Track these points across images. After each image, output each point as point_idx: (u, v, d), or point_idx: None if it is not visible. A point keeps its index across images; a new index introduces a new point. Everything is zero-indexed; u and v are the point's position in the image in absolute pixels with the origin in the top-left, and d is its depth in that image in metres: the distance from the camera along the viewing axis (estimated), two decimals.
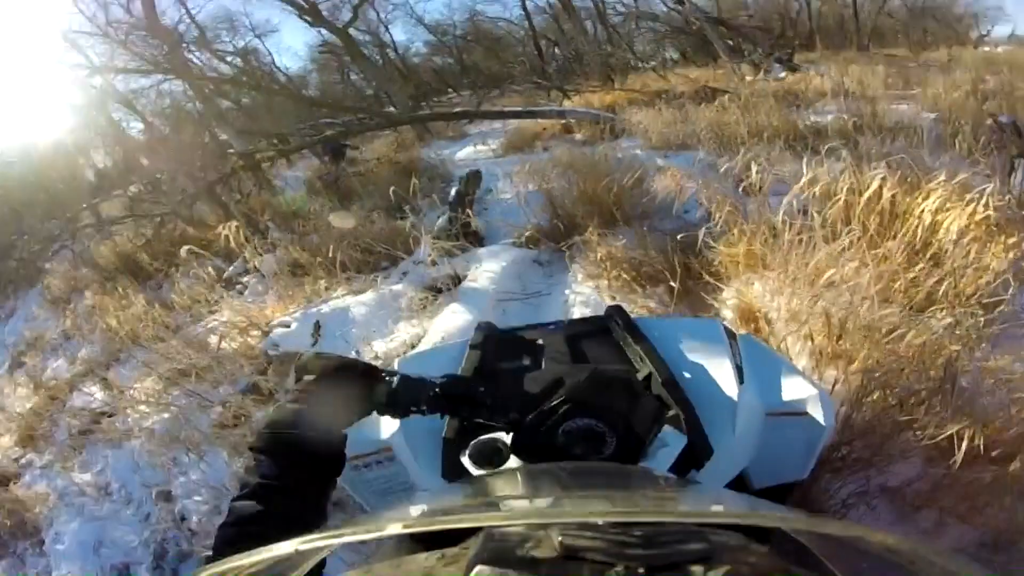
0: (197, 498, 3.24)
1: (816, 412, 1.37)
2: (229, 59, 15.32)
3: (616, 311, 1.70)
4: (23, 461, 4.47)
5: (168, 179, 9.46)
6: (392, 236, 5.13)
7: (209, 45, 14.89)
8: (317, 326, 4.07)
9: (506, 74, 17.46)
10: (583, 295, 3.81)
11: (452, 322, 3.65)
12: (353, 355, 3.45)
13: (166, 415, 3.83)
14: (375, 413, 1.25)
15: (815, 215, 2.93)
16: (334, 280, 4.60)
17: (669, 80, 11.88)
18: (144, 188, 10.82)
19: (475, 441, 1.19)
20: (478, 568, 0.47)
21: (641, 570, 0.46)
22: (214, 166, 8.03)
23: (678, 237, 3.57)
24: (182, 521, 3.26)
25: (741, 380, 1.45)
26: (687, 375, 1.47)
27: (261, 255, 5.17)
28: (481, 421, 1.16)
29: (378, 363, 3.32)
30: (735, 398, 1.40)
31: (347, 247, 4.83)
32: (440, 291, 4.12)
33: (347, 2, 16.13)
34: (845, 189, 3.09)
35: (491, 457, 1.16)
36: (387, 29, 22.37)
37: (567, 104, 9.82)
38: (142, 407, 4.05)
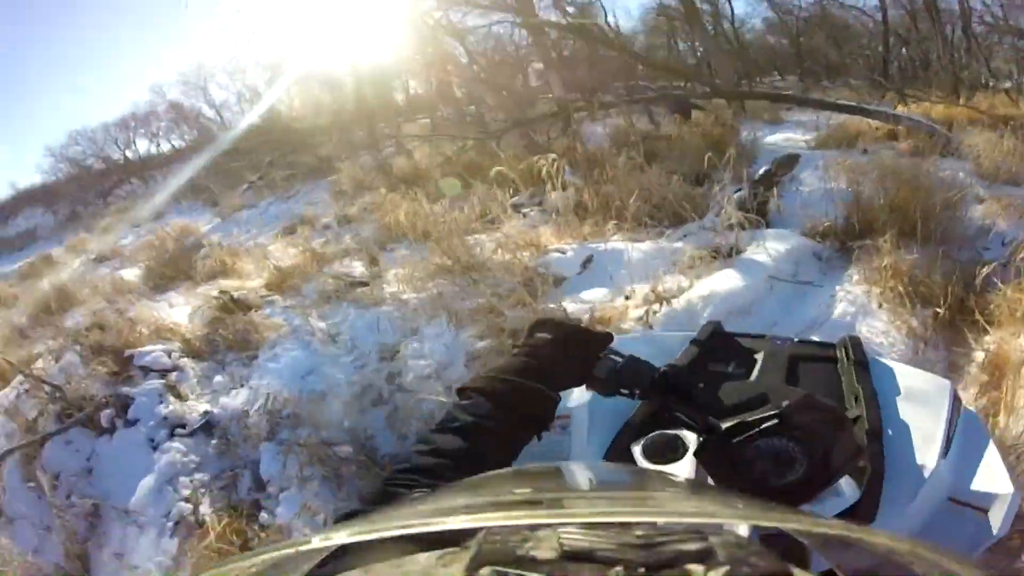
0: (421, 362, 3.88)
1: (997, 515, 1.31)
2: (569, 9, 16.45)
3: (851, 342, 1.72)
4: (269, 299, 5.56)
5: (476, 111, 10.72)
6: (686, 199, 5.45)
7: None
8: (589, 259, 4.60)
9: (842, 66, 16.62)
10: (852, 296, 3.87)
11: (720, 285, 3.95)
12: (610, 292, 4.14)
13: (423, 295, 4.60)
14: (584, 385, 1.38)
15: None
16: (616, 226, 5.06)
17: (1018, 105, 10.75)
18: (450, 115, 12.34)
19: (655, 433, 1.26)
20: (477, 568, 0.49)
21: (641, 570, 0.48)
22: (527, 106, 8.92)
23: (970, 269, 3.66)
24: (395, 376, 3.94)
25: (945, 454, 1.43)
26: (894, 428, 1.48)
27: (553, 191, 5.80)
28: (679, 416, 1.21)
29: (629, 307, 3.90)
30: (929, 472, 1.39)
31: (640, 200, 5.23)
32: (716, 256, 4.39)
33: None
34: None
35: (666, 452, 1.23)
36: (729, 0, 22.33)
37: (901, 109, 9.25)
38: (402, 284, 4.88)
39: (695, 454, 1.16)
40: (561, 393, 1.40)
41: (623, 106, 9.36)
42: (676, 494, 0.86)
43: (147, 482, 3.73)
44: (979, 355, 3.27)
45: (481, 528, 0.55)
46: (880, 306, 3.70)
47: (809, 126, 8.80)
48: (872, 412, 1.46)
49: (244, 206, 12.46)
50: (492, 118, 9.72)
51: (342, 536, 0.54)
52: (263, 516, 3.36)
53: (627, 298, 4.10)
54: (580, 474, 0.99)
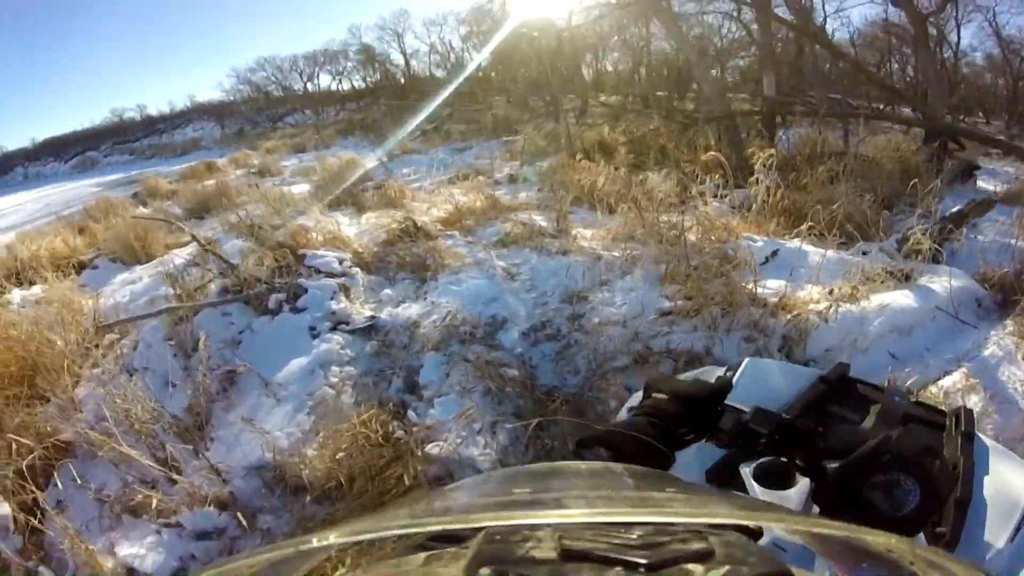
0: (610, 309, 4.14)
1: None
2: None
3: (964, 413, 1.56)
4: (448, 232, 5.80)
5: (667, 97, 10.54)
6: (873, 219, 5.49)
7: None
8: (775, 252, 4.83)
9: None
10: (1003, 343, 3.87)
11: (890, 302, 4.08)
12: (790, 285, 4.14)
13: (615, 253, 4.87)
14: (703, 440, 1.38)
15: None
16: (804, 230, 5.01)
17: None
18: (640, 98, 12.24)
19: (768, 458, 1.22)
20: (477, 568, 0.49)
21: (641, 570, 0.48)
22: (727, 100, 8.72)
23: None
24: (577, 318, 4.13)
25: (1012, 539, 1.29)
26: (974, 506, 1.34)
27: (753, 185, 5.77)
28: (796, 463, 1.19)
29: (809, 301, 3.89)
30: (992, 552, 1.26)
31: (828, 210, 5.16)
32: (891, 277, 4.51)
33: None
34: None
35: (779, 478, 1.19)
36: (958, 27, 20.99)
37: None
38: (592, 242, 5.18)
39: (813, 499, 1.13)
40: None
41: (828, 118, 8.81)
42: (676, 494, 0.86)
43: (299, 362, 3.95)
44: None
45: (481, 528, 0.55)
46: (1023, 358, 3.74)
47: (1002, 176, 8.19)
48: (966, 484, 1.34)
49: (414, 151, 12.79)
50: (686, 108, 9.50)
51: (342, 536, 0.55)
52: (411, 415, 3.47)
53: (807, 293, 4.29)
54: (579, 475, 1.01)
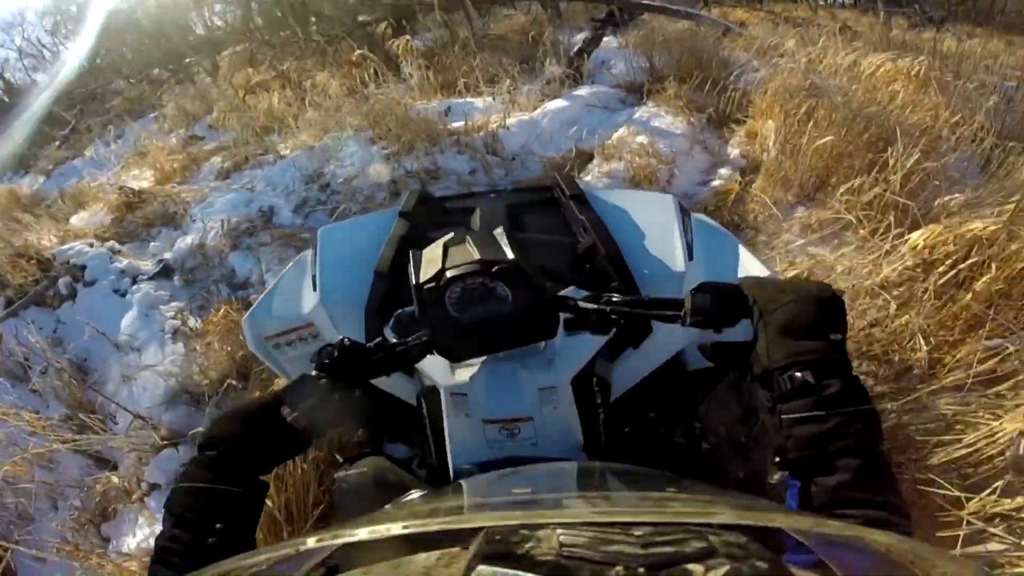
0: (346, 169, 5.14)
1: None
2: None
3: (564, 180, 1.84)
4: (178, 189, 6.30)
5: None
6: (515, 72, 6.91)
7: None
8: (448, 109, 6.15)
9: None
10: (648, 111, 5.48)
11: (552, 107, 5.72)
12: (468, 121, 5.55)
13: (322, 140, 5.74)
14: (297, 282, 1.67)
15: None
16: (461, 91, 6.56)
17: (815, 13, 13.10)
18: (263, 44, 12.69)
19: (397, 312, 1.29)
20: (478, 568, 0.50)
21: (641, 570, 0.49)
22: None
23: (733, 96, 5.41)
24: (326, 187, 5.15)
25: (690, 257, 1.56)
26: (634, 249, 1.58)
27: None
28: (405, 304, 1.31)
29: (488, 122, 5.41)
30: (681, 275, 1.51)
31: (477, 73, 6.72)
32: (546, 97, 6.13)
33: None
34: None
35: (411, 327, 1.24)
36: None
37: (704, 12, 10.86)
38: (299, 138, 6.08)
39: (415, 296, 1.20)
40: (293, 300, 1.80)
41: (451, 12, 10.23)
42: (676, 494, 0.87)
43: (130, 316, 4.33)
44: (741, 130, 5.14)
45: (481, 528, 0.58)
46: (666, 113, 5.35)
47: (622, 32, 10.08)
48: (605, 237, 1.57)
49: (67, 158, 12.16)
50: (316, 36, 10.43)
51: (342, 536, 0.57)
52: (253, 298, 4.14)
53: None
54: (579, 474, 1.04)
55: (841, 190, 3.64)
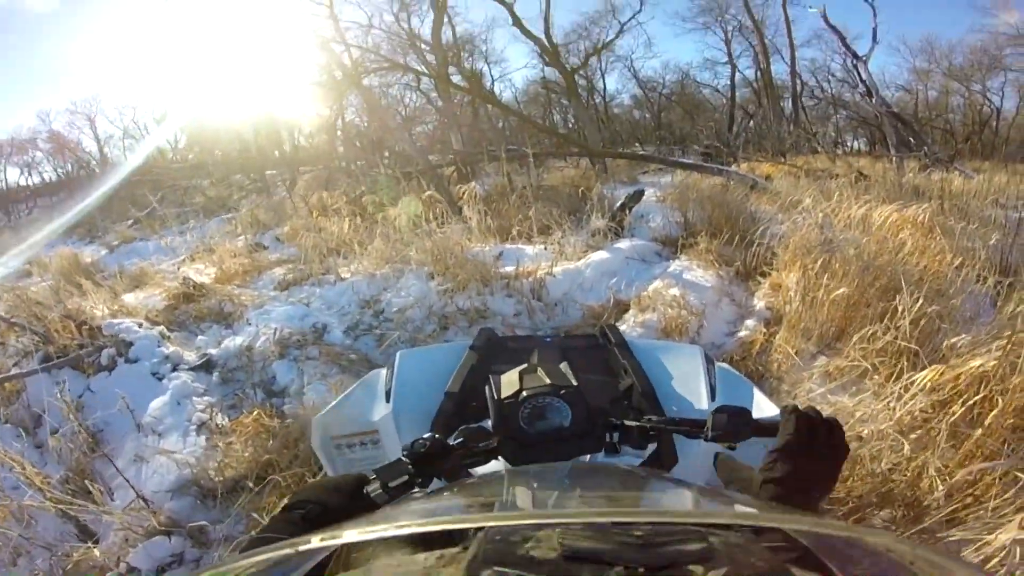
0: (401, 298, 5.29)
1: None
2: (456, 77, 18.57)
3: (609, 329, 2.00)
4: (238, 291, 6.51)
5: (367, 163, 12.01)
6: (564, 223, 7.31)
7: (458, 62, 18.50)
8: (501, 253, 6.46)
9: (693, 136, 19.73)
10: (681, 264, 5.93)
11: (595, 259, 6.09)
12: (520, 267, 5.69)
13: (385, 269, 6.10)
14: (368, 394, 1.80)
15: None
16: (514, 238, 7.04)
17: (834, 163, 14.01)
18: (345, 165, 13.50)
19: (462, 427, 1.30)
20: (477, 568, 0.50)
21: (641, 570, 0.49)
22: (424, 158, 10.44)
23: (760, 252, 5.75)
24: (379, 313, 5.31)
25: (713, 398, 1.69)
26: (666, 390, 1.73)
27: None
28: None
29: (538, 271, 5.56)
30: (705, 413, 1.48)
31: (528, 224, 7.20)
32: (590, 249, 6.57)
33: (578, 50, 20.86)
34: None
35: (479, 441, 1.28)
36: (603, 76, 26.08)
37: (734, 167, 11.55)
38: (362, 264, 6.32)
39: (494, 410, 1.31)
40: (365, 408, 1.86)
41: (510, 162, 10.86)
42: (676, 495, 0.88)
43: (161, 400, 4.37)
44: (765, 282, 5.45)
45: (481, 528, 0.58)
46: (697, 267, 5.80)
47: (660, 185, 10.69)
48: (642, 379, 1.71)
49: (135, 238, 12.66)
50: (390, 169, 11.12)
51: (342, 536, 0.56)
52: (287, 409, 4.22)
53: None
54: (580, 475, 1.04)
55: (855, 338, 3.77)
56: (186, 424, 4.17)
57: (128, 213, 15.01)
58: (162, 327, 5.41)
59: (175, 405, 4.35)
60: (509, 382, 1.36)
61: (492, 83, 24.58)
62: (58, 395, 4.20)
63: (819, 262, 4.54)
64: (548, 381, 1.32)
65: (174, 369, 4.76)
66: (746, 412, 1.19)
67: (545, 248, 6.52)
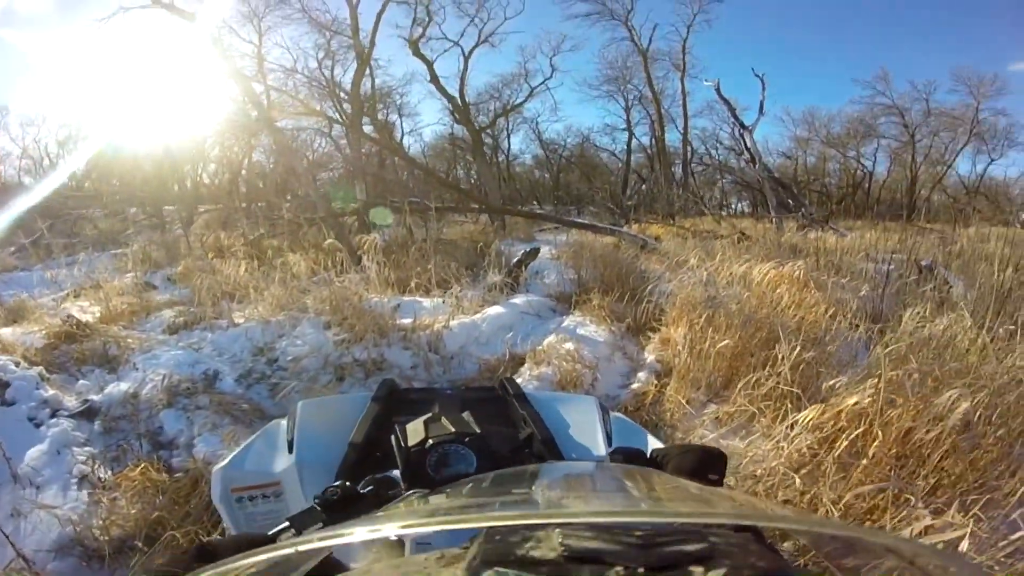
0: (296, 347, 5.28)
1: None
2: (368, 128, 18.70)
3: (508, 382, 2.02)
4: (124, 332, 6.21)
5: (267, 205, 11.92)
6: (462, 276, 7.63)
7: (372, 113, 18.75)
8: (398, 305, 6.44)
9: (589, 197, 20.69)
10: (575, 320, 6.21)
11: (491, 313, 6.32)
12: (416, 319, 5.81)
13: (281, 316, 5.98)
14: (269, 445, 1.80)
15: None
16: (411, 290, 7.18)
17: (719, 224, 15.16)
18: (243, 206, 13.30)
19: (368, 477, 1.32)
20: (477, 568, 0.50)
21: (641, 570, 0.48)
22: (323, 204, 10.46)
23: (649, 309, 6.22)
24: (274, 361, 5.28)
25: (610, 444, 1.73)
26: (564, 438, 1.76)
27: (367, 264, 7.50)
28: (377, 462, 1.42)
29: (434, 324, 5.71)
30: (603, 458, 1.65)
31: (427, 276, 7.35)
32: (485, 304, 6.74)
33: (488, 109, 22.70)
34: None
35: (387, 488, 1.30)
36: (508, 136, 27.62)
37: (626, 228, 12.16)
38: (253, 311, 6.26)
39: (401, 459, 1.32)
40: (266, 459, 1.81)
41: (412, 215, 11.03)
42: (676, 494, 0.87)
43: (39, 449, 4.09)
44: (655, 337, 5.79)
45: (481, 528, 0.57)
46: (591, 322, 6.09)
47: (554, 243, 11.05)
48: (541, 428, 1.74)
49: (17, 267, 12.02)
50: (291, 213, 11.16)
51: (342, 536, 0.56)
52: (175, 462, 4.09)
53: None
54: (579, 475, 1.03)
55: (741, 385, 4.12)
56: (67, 476, 3.92)
57: (13, 239, 14.20)
58: (41, 368, 5.10)
59: (55, 455, 4.08)
60: (415, 430, 1.37)
61: (403, 135, 25.39)
62: None
63: (704, 317, 4.92)
64: (453, 429, 1.35)
65: (53, 415, 4.48)
66: (641, 452, 1.29)
67: (443, 301, 6.59)
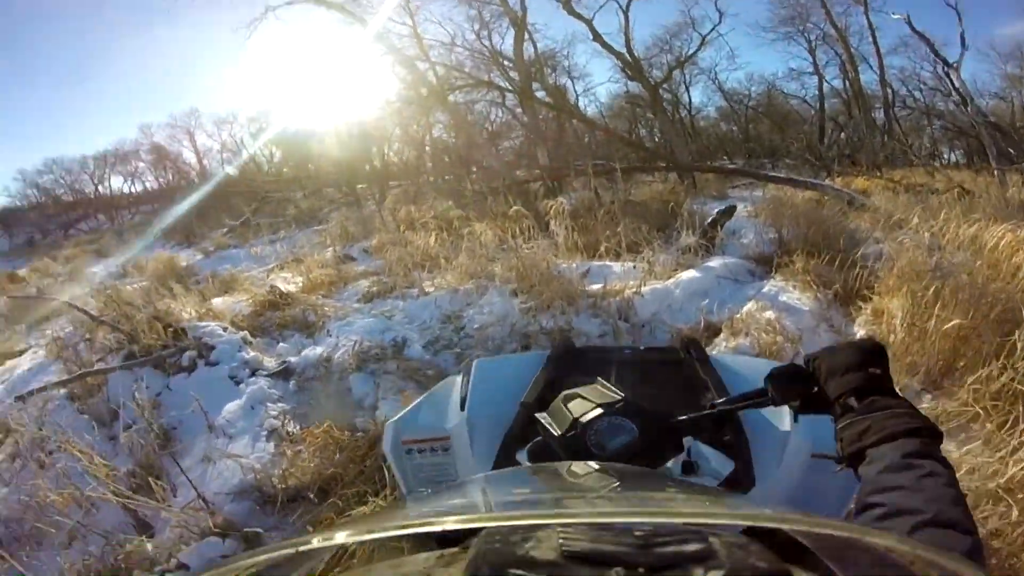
0: (483, 315, 5.13)
1: None
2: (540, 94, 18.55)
3: (691, 343, 1.94)
4: (322, 301, 6.42)
5: (455, 178, 12.00)
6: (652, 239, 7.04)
7: (541, 78, 18.42)
8: (588, 271, 6.19)
9: (783, 149, 18.91)
10: (776, 285, 5.48)
11: (685, 278, 5.68)
12: (606, 286, 5.48)
13: (469, 285, 5.93)
14: (443, 401, 1.87)
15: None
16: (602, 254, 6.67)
17: (933, 177, 12.92)
18: (433, 180, 13.60)
19: (537, 439, 1.35)
20: (478, 568, 0.50)
21: (641, 570, 0.49)
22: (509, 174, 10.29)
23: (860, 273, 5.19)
24: (460, 329, 5.15)
25: (795, 420, 1.63)
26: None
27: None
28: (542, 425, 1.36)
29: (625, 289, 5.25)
30: (786, 435, 1.60)
31: (616, 239, 6.76)
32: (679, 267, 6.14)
33: (661, 63, 20.18)
34: None
35: (546, 454, 1.31)
36: (687, 89, 25.26)
37: (828, 181, 10.90)
38: (446, 278, 6.15)
39: (559, 445, 1.28)
40: (439, 414, 1.88)
41: (597, 177, 10.59)
42: (675, 495, 0.88)
43: (235, 404, 4.35)
44: (867, 307, 4.90)
45: (481, 528, 0.56)
46: (794, 288, 5.33)
47: (749, 199, 10.18)
48: (722, 395, 1.66)
49: (230, 245, 13.05)
50: (477, 184, 11.05)
51: (342, 536, 0.55)
52: (358, 422, 4.04)
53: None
54: (579, 475, 1.02)
55: (969, 380, 3.40)
56: (257, 429, 4.10)
57: (223, 222, 15.55)
58: (245, 332, 5.38)
59: (249, 410, 4.28)
60: (557, 413, 1.34)
61: (576, 98, 24.10)
62: (135, 392, 4.33)
63: (930, 290, 4.09)
64: (596, 402, 1.30)
65: (252, 374, 4.70)
66: (800, 368, 1.21)
67: (634, 266, 6.09)
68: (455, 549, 0.59)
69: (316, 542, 0.55)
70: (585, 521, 0.58)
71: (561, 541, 0.52)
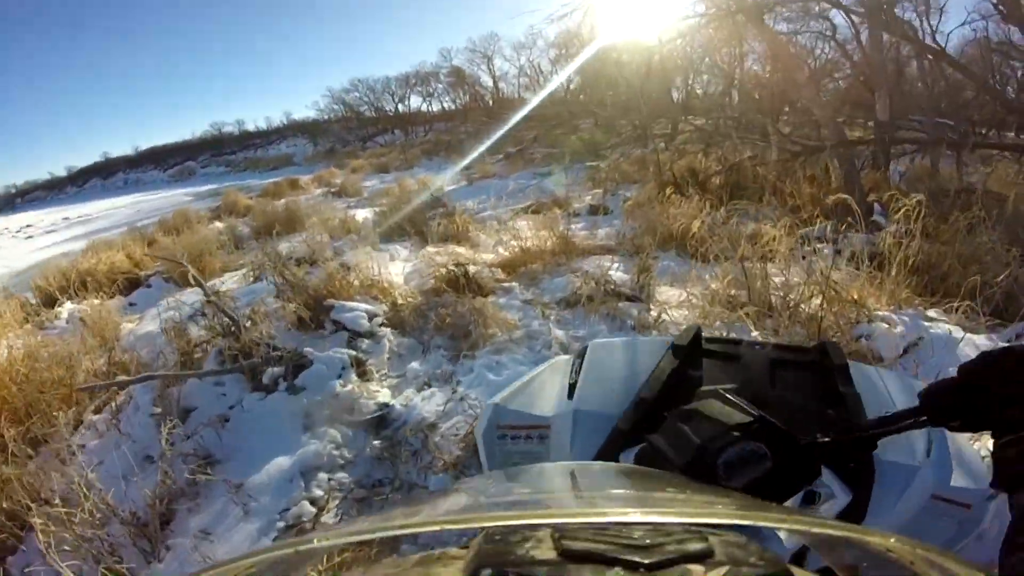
0: None
1: (981, 509, 1.32)
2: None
3: (830, 347, 1.63)
4: (504, 285, 5.01)
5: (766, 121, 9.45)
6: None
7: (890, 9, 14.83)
8: (919, 340, 3.53)
9: None
10: None
11: None
12: None
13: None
14: (549, 384, 1.68)
15: None
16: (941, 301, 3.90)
17: None
18: (730, 121, 11.19)
19: (644, 444, 1.19)
20: (477, 568, 0.47)
21: (641, 570, 0.46)
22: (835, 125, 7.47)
23: None
24: None
25: (928, 453, 1.43)
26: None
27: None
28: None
29: None
30: (914, 471, 1.39)
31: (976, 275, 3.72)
32: None
33: None
34: None
35: (656, 461, 1.13)
36: None
37: None
38: (674, 311, 4.21)
39: (681, 469, 1.07)
40: (543, 399, 1.67)
41: (949, 148, 7.30)
42: (676, 494, 0.84)
43: (281, 463, 3.10)
44: None
45: (481, 528, 0.54)
46: None
47: None
48: (854, 412, 1.41)
49: (495, 175, 12.49)
50: (786, 133, 8.36)
51: (342, 536, 0.57)
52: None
53: None
54: (579, 475, 0.99)
55: None
56: (275, 517, 2.81)
57: (502, 148, 14.89)
58: (388, 332, 4.13)
59: (288, 481, 3.02)
60: (679, 437, 1.13)
61: (924, 39, 19.43)
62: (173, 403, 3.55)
63: None
64: (727, 423, 1.10)
65: (332, 421, 3.29)
66: (959, 382, 1.03)
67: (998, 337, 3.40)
68: (455, 549, 0.58)
69: (316, 542, 0.53)
70: (585, 521, 0.56)
71: (561, 541, 0.50)
